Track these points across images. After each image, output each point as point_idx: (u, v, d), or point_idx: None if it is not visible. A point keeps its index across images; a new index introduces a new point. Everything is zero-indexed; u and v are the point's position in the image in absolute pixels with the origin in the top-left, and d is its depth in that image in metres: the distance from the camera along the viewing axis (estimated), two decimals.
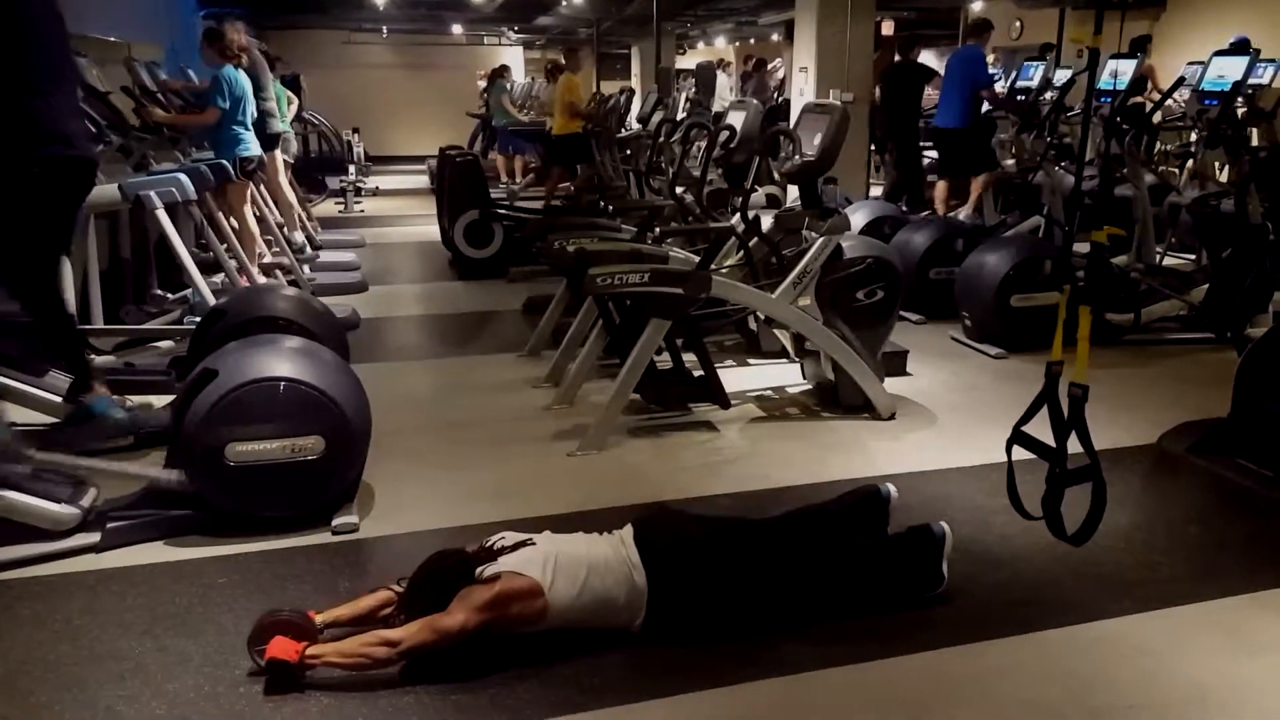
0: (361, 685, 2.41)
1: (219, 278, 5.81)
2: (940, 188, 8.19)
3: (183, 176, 4.92)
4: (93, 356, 4.04)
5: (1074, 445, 2.65)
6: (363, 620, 2.55)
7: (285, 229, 7.90)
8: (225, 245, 5.70)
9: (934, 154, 8.88)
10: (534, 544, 2.58)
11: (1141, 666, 2.50)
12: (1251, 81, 7.47)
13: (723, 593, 2.67)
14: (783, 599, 2.72)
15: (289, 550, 3.11)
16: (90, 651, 2.57)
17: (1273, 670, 2.50)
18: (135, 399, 4.18)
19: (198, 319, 4.50)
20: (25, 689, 2.41)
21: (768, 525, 2.91)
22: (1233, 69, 6.69)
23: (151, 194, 4.70)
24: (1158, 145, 8.61)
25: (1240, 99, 6.56)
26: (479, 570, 2.49)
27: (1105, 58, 6.11)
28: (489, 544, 2.59)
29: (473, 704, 2.36)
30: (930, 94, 8.98)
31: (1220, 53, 7.23)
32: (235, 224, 6.46)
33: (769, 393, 4.77)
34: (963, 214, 7.92)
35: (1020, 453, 2.77)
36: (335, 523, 3.25)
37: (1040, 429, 2.79)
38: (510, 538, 2.61)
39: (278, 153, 7.96)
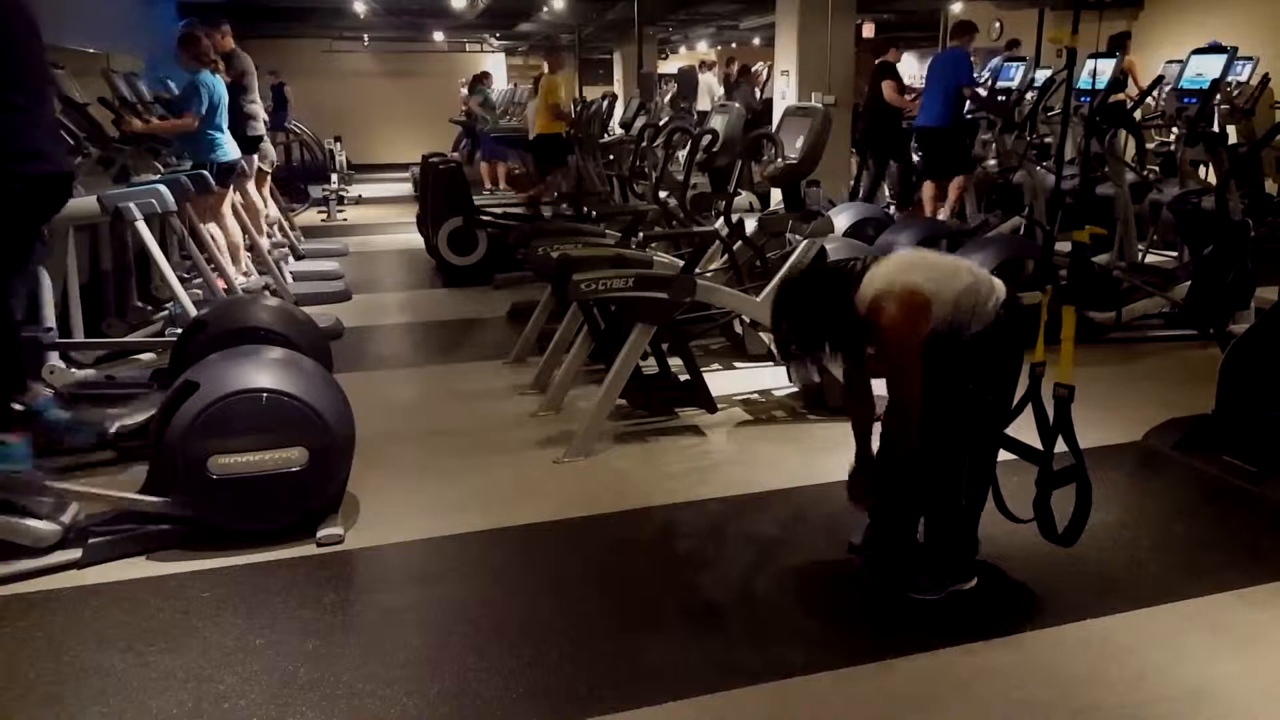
0: (354, 693, 2.39)
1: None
2: (927, 188, 8.20)
3: (162, 188, 4.87)
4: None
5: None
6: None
7: (251, 234, 7.83)
8: (206, 256, 5.66)
9: (919, 155, 8.87)
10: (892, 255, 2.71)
11: (1131, 665, 2.51)
12: (1230, 79, 7.54)
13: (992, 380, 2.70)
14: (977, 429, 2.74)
15: (272, 563, 3.08)
16: (72, 668, 2.54)
17: (1261, 667, 2.50)
18: (113, 412, 4.14)
19: (179, 330, 4.46)
20: (6, 707, 2.38)
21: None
22: (1211, 67, 6.76)
23: (131, 205, 4.66)
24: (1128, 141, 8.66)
25: (1219, 97, 6.61)
26: (856, 299, 2.58)
27: (1084, 57, 6.13)
28: (846, 265, 2.73)
29: (455, 713, 2.34)
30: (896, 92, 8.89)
31: (1198, 51, 7.30)
32: (216, 232, 6.41)
33: (755, 396, 4.76)
34: (942, 214, 7.94)
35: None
36: (319, 535, 3.22)
37: (1025, 431, 2.80)
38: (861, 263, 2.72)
39: (254, 157, 7.90)
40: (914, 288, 2.55)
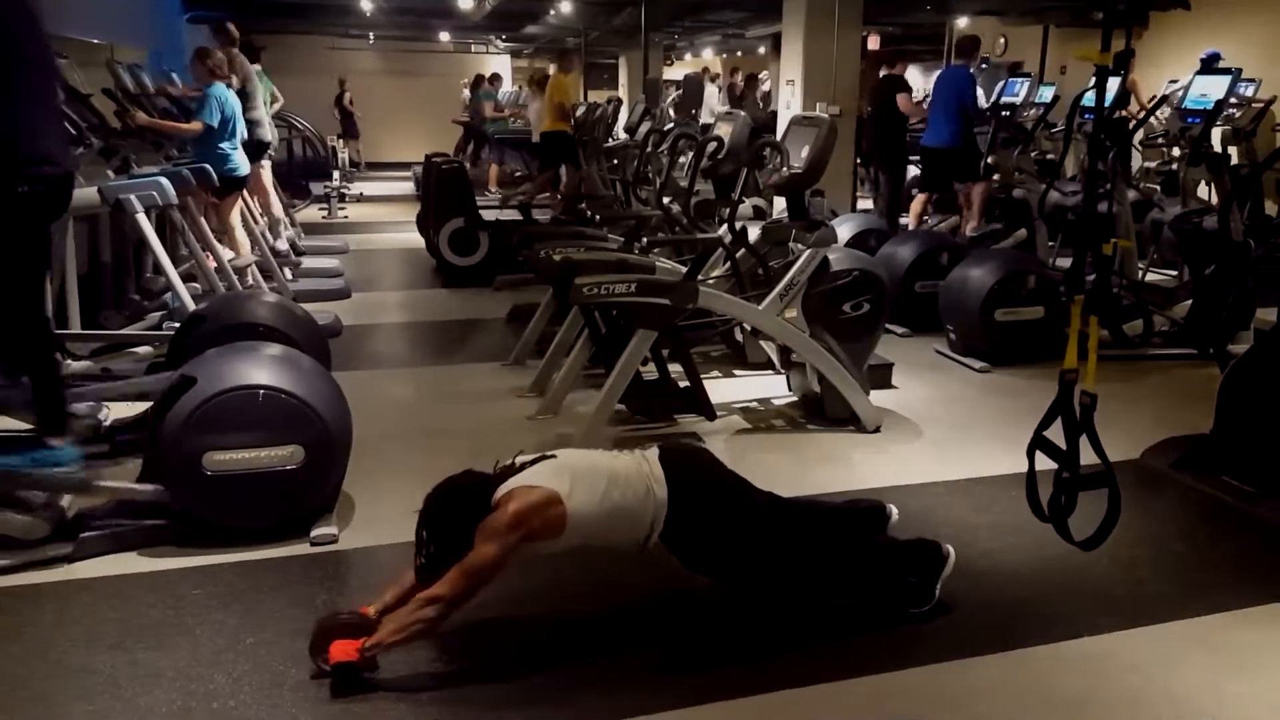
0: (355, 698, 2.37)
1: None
2: (918, 201, 8.20)
3: (163, 180, 4.86)
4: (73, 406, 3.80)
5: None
6: (411, 595, 2.46)
7: (269, 235, 7.86)
8: (205, 249, 5.64)
9: (916, 170, 8.88)
10: (553, 457, 2.57)
11: (1129, 684, 2.49)
12: (1233, 99, 7.54)
13: (737, 528, 2.65)
14: (787, 559, 2.71)
15: (266, 561, 3.06)
16: (60, 666, 2.51)
17: (1260, 688, 2.49)
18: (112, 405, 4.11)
19: (177, 324, 4.44)
20: None
21: (781, 499, 2.86)
22: (1214, 88, 6.75)
23: (132, 197, 4.64)
24: (1140, 162, 8.66)
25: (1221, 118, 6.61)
26: (495, 493, 2.46)
27: (1088, 75, 6.11)
28: (506, 462, 2.58)
29: (446, 719, 2.32)
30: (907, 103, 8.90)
31: (1202, 72, 7.30)
32: (225, 239, 6.43)
33: (755, 404, 4.75)
34: (968, 227, 7.93)
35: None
36: (314, 534, 3.19)
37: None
38: (528, 455, 2.60)
39: (265, 163, 7.94)
40: (551, 491, 2.43)
